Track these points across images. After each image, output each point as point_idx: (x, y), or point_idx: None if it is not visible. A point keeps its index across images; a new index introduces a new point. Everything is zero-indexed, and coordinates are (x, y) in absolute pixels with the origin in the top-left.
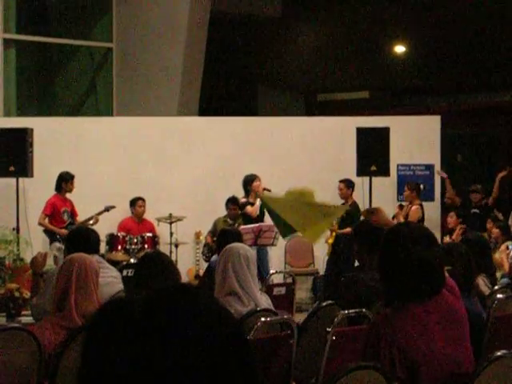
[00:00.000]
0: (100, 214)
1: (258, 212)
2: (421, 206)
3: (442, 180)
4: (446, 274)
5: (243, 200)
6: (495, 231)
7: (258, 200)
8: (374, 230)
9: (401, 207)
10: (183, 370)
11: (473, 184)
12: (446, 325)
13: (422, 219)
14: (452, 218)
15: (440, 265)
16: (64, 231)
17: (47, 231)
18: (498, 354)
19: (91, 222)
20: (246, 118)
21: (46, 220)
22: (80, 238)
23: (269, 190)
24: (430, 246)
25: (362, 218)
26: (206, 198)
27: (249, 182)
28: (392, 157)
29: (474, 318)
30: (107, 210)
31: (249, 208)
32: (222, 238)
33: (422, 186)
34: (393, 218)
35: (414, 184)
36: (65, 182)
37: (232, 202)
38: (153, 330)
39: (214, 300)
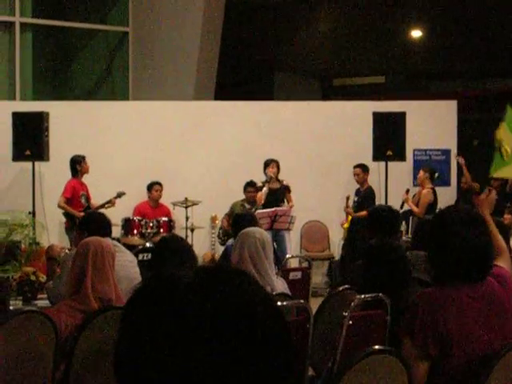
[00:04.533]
0: (115, 199)
1: (264, 198)
2: (433, 190)
3: (459, 165)
4: (506, 268)
5: (259, 185)
6: (508, 217)
7: (265, 187)
8: (387, 215)
9: (407, 192)
10: (231, 348)
11: None
12: (488, 313)
13: (433, 203)
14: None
15: (487, 251)
16: (83, 215)
17: (67, 214)
18: None
19: (106, 205)
20: (261, 103)
21: (65, 203)
22: (91, 221)
23: (287, 188)
24: (478, 231)
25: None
26: (222, 183)
27: (264, 167)
28: (408, 141)
29: None
30: (119, 196)
31: (258, 194)
32: (236, 222)
33: (436, 174)
34: (402, 204)
35: (429, 168)
36: (78, 163)
37: (250, 185)
38: (200, 307)
39: (255, 280)
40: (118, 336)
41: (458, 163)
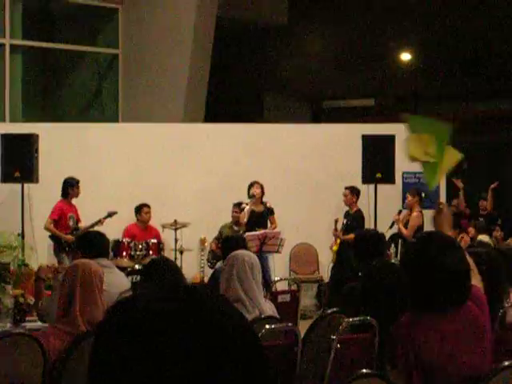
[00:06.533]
0: (104, 219)
1: (246, 217)
2: (421, 213)
3: (453, 188)
4: (478, 287)
5: (243, 205)
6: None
7: (247, 207)
8: (372, 239)
9: (399, 213)
10: (196, 371)
11: (483, 191)
12: (468, 337)
13: (421, 226)
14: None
15: (466, 276)
16: (70, 237)
17: (53, 236)
18: (506, 363)
19: (95, 227)
20: (251, 125)
21: (52, 225)
22: (94, 242)
23: (271, 210)
24: (456, 256)
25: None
26: (211, 205)
27: (249, 188)
28: (397, 164)
29: None
30: (110, 215)
31: (240, 214)
32: (226, 245)
33: (423, 194)
34: (391, 224)
35: (415, 191)
36: (71, 187)
37: (235, 205)
38: (161, 332)
39: (225, 300)
40: (90, 360)
41: (453, 185)
